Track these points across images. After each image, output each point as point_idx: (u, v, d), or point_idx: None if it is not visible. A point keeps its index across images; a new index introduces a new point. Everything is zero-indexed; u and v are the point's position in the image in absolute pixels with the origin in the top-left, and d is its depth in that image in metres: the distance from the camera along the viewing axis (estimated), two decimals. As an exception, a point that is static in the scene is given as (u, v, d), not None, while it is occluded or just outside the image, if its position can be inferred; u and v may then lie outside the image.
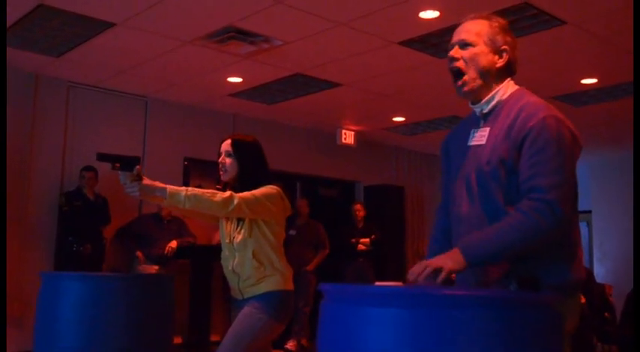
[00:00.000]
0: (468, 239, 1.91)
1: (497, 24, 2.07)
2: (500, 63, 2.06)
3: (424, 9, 4.74)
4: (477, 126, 2.09)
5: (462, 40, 2.07)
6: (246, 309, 2.88)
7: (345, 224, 8.28)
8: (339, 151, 8.92)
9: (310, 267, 7.35)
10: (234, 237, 2.95)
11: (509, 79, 2.08)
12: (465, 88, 2.06)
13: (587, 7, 4.66)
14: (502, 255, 1.88)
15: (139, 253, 6.60)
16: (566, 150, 1.89)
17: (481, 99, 2.07)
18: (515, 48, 2.09)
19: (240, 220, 2.94)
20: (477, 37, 2.05)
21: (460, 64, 2.05)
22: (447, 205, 2.20)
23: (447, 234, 2.16)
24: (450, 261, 1.85)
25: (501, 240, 1.85)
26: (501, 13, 4.48)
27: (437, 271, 1.82)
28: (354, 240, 7.82)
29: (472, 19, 2.10)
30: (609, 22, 4.89)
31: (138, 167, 2.62)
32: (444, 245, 2.14)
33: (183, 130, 7.54)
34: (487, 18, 2.09)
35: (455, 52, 2.07)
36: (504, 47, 2.06)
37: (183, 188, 2.69)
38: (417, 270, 1.84)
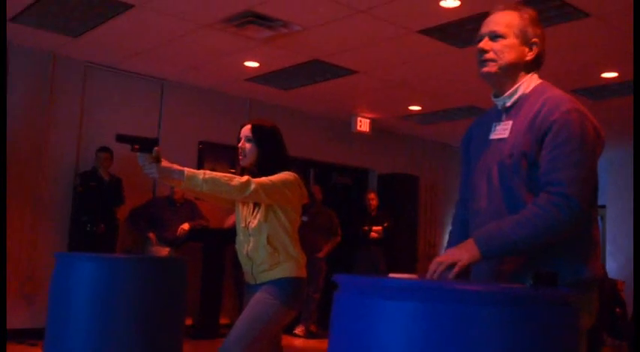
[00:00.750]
0: (484, 230, 1.90)
1: (527, 15, 2.03)
2: (530, 56, 2.03)
3: (445, -2, 4.70)
4: (499, 120, 2.06)
5: (493, 31, 2.02)
6: (259, 295, 2.88)
7: (357, 211, 8.28)
8: (354, 139, 8.90)
9: (321, 254, 7.36)
10: (249, 222, 2.95)
11: (533, 72, 2.05)
12: (485, 69, 2.02)
13: (611, 0, 4.59)
14: (517, 249, 1.86)
15: (151, 235, 6.63)
16: (588, 146, 1.86)
17: (504, 92, 2.04)
18: (544, 40, 2.05)
19: (256, 205, 2.94)
20: (507, 29, 2.01)
21: (491, 55, 2.01)
22: (466, 198, 2.18)
23: (466, 227, 2.14)
24: (465, 253, 1.85)
25: (517, 233, 1.82)
26: (525, 3, 4.41)
27: (451, 266, 1.82)
28: (366, 228, 7.82)
29: (501, 10, 2.05)
30: (632, 16, 4.82)
31: (157, 149, 2.63)
32: (462, 239, 2.12)
33: (198, 114, 7.54)
34: (517, 9, 2.04)
35: (485, 43, 2.03)
36: (535, 40, 2.03)
37: (201, 171, 2.69)
38: (432, 268, 1.84)
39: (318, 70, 6.63)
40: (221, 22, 5.34)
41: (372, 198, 8.05)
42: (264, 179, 2.83)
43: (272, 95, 7.70)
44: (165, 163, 2.65)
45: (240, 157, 3.02)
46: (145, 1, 5.00)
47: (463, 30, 5.24)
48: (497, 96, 2.08)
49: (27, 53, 6.28)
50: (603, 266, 7.26)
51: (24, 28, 5.71)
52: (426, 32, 5.38)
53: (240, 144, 3.02)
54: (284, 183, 2.88)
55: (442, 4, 4.77)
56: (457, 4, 4.76)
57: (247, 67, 6.62)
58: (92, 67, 6.78)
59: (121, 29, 5.66)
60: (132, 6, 5.10)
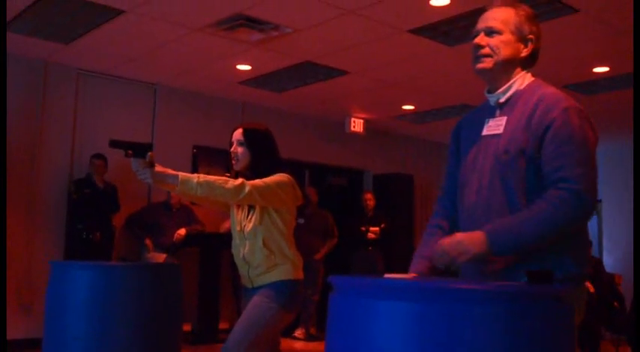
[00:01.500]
0: (495, 226, 1.87)
1: (523, 12, 2.04)
2: (525, 52, 2.04)
3: (435, -4, 4.71)
4: (492, 116, 2.07)
5: (489, 27, 2.03)
6: (257, 298, 2.88)
7: (353, 212, 8.28)
8: (348, 139, 8.90)
9: (319, 256, 7.35)
10: (244, 225, 2.95)
11: (528, 69, 2.07)
12: (480, 65, 2.03)
13: (601, -6, 4.62)
14: (528, 246, 1.86)
15: (147, 241, 6.62)
16: (589, 142, 1.89)
17: (498, 88, 2.05)
18: (539, 38, 2.06)
19: (251, 208, 2.95)
20: (503, 25, 2.02)
21: (486, 51, 2.02)
22: (450, 193, 2.18)
23: (446, 223, 2.16)
24: (473, 247, 1.84)
25: (529, 230, 1.83)
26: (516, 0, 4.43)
27: (459, 256, 1.85)
28: (364, 228, 7.82)
29: (498, 6, 2.07)
30: (622, 10, 4.83)
31: (150, 154, 2.63)
32: (435, 234, 2.14)
33: (192, 118, 7.54)
34: (513, 6, 2.06)
35: (480, 39, 2.04)
36: (530, 36, 2.04)
37: (195, 175, 2.70)
38: (438, 257, 1.89)
39: (310, 72, 6.63)
40: (212, 25, 5.34)
41: (369, 199, 8.05)
42: (258, 181, 2.83)
43: (265, 98, 7.70)
44: (159, 168, 2.65)
45: (233, 161, 3.03)
46: (135, 7, 5.00)
47: (453, 28, 5.24)
48: (490, 92, 2.09)
49: (19, 61, 6.26)
50: (599, 261, 7.28)
51: (15, 35, 5.70)
52: (417, 31, 5.38)
53: (232, 149, 3.02)
54: (278, 184, 2.88)
55: (432, 2, 4.78)
56: (447, 2, 4.76)
57: (239, 70, 6.62)
58: (84, 73, 6.77)
59: (113, 35, 5.66)
60: (123, 12, 5.10)
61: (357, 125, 8.67)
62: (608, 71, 6.38)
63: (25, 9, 5.11)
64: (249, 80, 6.99)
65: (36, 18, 5.31)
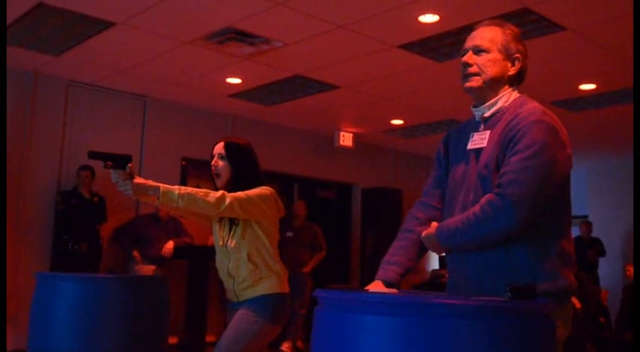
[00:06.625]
0: (443, 225, 2.02)
1: (510, 31, 2.08)
2: (512, 70, 2.07)
3: (424, 13, 4.74)
4: (477, 130, 2.10)
5: (476, 46, 2.07)
6: (242, 312, 2.88)
7: (342, 225, 8.26)
8: (337, 153, 8.93)
9: (307, 269, 7.34)
10: (227, 240, 2.95)
11: (515, 86, 2.09)
12: (468, 83, 2.06)
13: (587, 13, 4.67)
14: (463, 242, 1.95)
15: (135, 253, 6.59)
16: (545, 156, 1.87)
17: (484, 104, 2.08)
18: (526, 56, 2.10)
19: (233, 223, 2.95)
20: (490, 44, 2.05)
21: (474, 69, 2.05)
22: (429, 195, 2.22)
23: (415, 225, 2.16)
24: (432, 244, 2.06)
25: (464, 229, 1.92)
26: (501, 18, 4.48)
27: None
28: None
29: (485, 25, 2.10)
30: (609, 28, 4.90)
31: (130, 165, 2.60)
32: (405, 239, 2.16)
33: (181, 130, 7.54)
34: (500, 25, 2.09)
35: (468, 57, 2.07)
36: (517, 55, 2.07)
37: (176, 187, 2.67)
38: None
39: (300, 86, 6.66)
40: (202, 39, 5.37)
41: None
42: (239, 193, 2.83)
43: (255, 111, 7.72)
44: (139, 180, 2.62)
45: (215, 175, 3.02)
46: (126, 19, 5.01)
47: (442, 44, 5.29)
48: (476, 106, 2.11)
49: (8, 72, 6.25)
50: (588, 276, 7.32)
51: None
52: (406, 47, 5.43)
53: (212, 162, 3.02)
54: (260, 196, 2.88)
55: (421, 19, 4.82)
56: (436, 18, 4.81)
57: (229, 83, 6.63)
58: (74, 85, 6.77)
59: (103, 47, 5.66)
60: (113, 24, 5.11)
61: (346, 139, 8.70)
62: (594, 88, 6.45)
63: (16, 20, 5.11)
64: (239, 93, 7.01)
65: (26, 30, 5.31)
